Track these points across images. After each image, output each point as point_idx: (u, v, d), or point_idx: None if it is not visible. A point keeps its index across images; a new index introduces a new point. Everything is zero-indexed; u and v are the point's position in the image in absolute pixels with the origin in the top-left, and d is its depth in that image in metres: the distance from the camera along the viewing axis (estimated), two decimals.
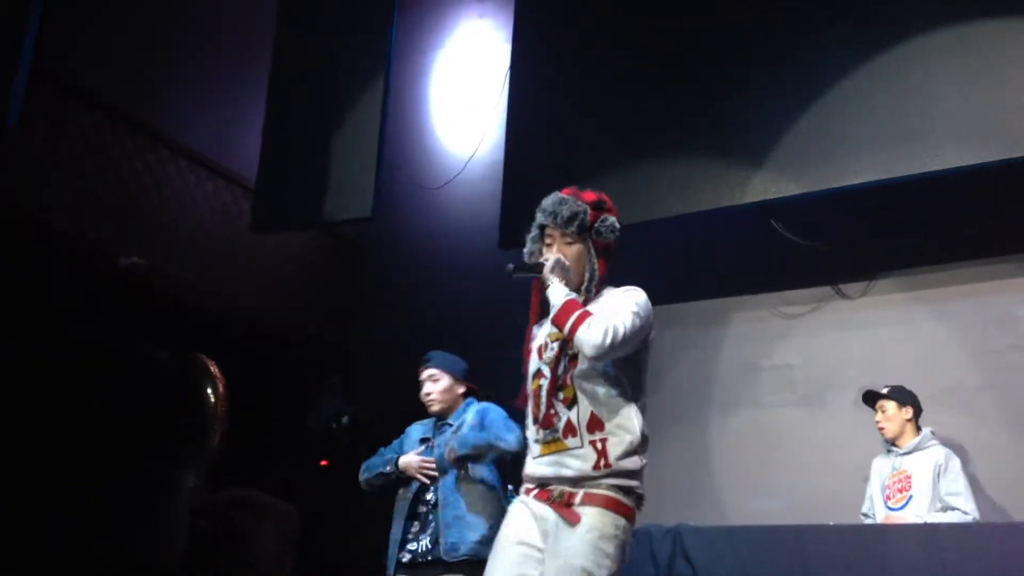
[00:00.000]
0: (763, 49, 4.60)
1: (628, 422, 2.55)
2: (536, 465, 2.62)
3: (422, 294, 5.84)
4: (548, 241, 2.72)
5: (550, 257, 2.66)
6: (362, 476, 3.80)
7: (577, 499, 2.50)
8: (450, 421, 3.78)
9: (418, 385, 3.84)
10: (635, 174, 4.72)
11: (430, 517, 3.62)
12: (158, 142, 5.17)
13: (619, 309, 2.56)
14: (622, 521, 2.50)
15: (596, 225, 2.68)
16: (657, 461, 5.40)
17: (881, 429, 4.30)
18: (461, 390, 3.83)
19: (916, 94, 4.09)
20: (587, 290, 2.66)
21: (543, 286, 2.64)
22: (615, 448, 2.51)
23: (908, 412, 4.25)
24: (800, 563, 3.52)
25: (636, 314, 2.55)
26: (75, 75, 4.87)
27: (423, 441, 3.80)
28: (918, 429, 4.26)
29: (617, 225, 2.70)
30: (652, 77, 4.84)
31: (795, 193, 4.45)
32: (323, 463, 5.70)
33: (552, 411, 2.59)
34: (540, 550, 2.52)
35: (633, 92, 4.86)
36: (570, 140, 4.96)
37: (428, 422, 3.86)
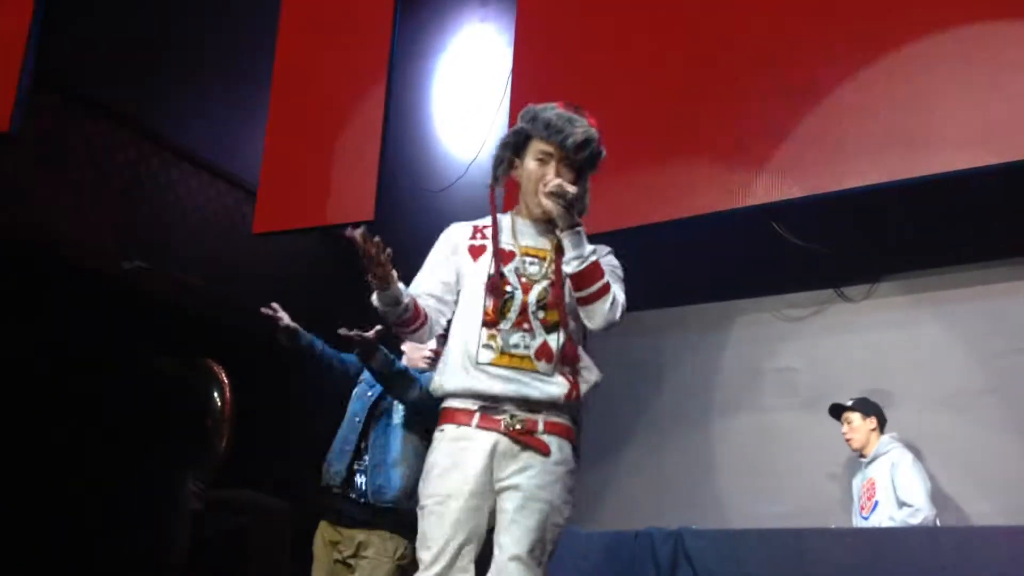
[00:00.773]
0: (764, 52, 4.60)
1: (591, 365, 2.45)
2: (482, 377, 2.33)
3: None
4: (540, 157, 2.50)
5: (574, 187, 2.40)
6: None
7: (539, 427, 2.31)
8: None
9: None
10: (636, 177, 4.72)
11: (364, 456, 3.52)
12: (160, 146, 5.18)
13: (614, 271, 2.50)
14: (576, 457, 2.39)
15: (599, 158, 2.52)
16: (659, 464, 5.44)
17: (848, 440, 4.46)
18: None
19: (918, 97, 4.09)
20: (575, 220, 2.42)
21: (565, 224, 2.37)
22: (584, 384, 2.40)
23: (872, 422, 4.41)
24: (802, 567, 3.52)
25: (620, 280, 2.50)
26: (77, 80, 4.88)
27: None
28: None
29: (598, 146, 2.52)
30: (653, 81, 4.84)
31: (797, 196, 4.45)
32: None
33: (527, 324, 2.36)
34: (491, 491, 2.28)
35: (634, 96, 4.86)
36: None
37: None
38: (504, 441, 2.30)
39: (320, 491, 3.55)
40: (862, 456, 4.41)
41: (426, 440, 2.69)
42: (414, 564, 2.40)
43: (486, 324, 2.37)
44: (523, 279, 2.42)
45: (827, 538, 3.80)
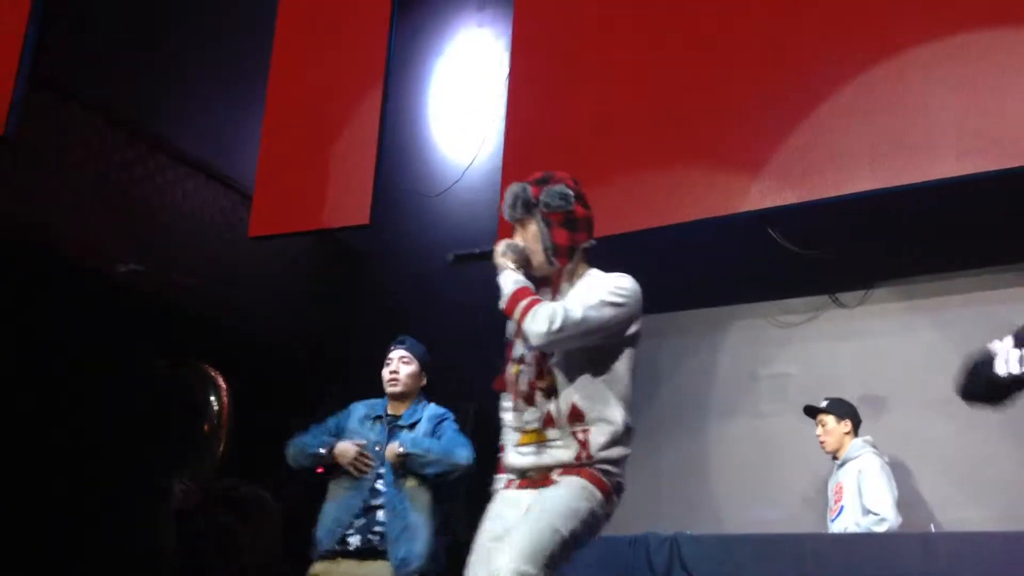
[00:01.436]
0: (763, 58, 4.61)
1: (610, 412, 2.50)
2: (516, 455, 2.54)
3: (420, 302, 5.84)
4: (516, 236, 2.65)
5: (499, 243, 2.61)
6: (289, 452, 3.74)
7: (554, 475, 2.45)
8: (401, 421, 3.74)
9: (384, 364, 3.80)
10: (633, 182, 4.72)
11: (377, 517, 3.56)
12: (156, 148, 5.17)
13: (584, 296, 2.48)
14: (598, 493, 2.43)
15: (541, 198, 2.57)
16: (655, 469, 5.43)
17: (822, 443, 4.44)
18: (423, 381, 3.84)
19: (915, 104, 4.10)
20: (550, 263, 2.56)
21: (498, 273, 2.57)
22: (597, 438, 2.47)
23: (846, 425, 4.38)
24: (798, 572, 3.53)
25: (604, 303, 2.47)
26: (73, 82, 4.87)
27: (375, 419, 3.74)
28: None
29: (567, 191, 2.57)
30: (650, 86, 4.85)
31: (793, 202, 4.45)
32: (319, 470, 5.68)
33: (533, 399, 2.51)
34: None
35: (631, 101, 4.87)
36: (568, 148, 4.96)
37: (374, 403, 3.82)
38: (526, 493, 2.48)
39: None
40: (835, 458, 4.40)
41: None
42: None
43: (515, 409, 2.57)
44: (524, 358, 2.57)
45: (823, 543, 3.81)
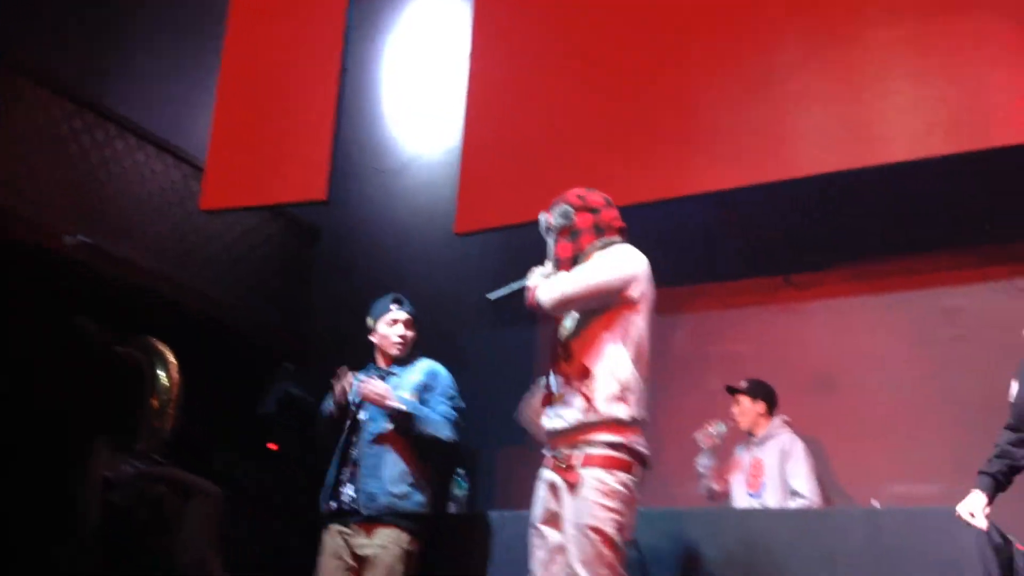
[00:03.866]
0: (718, 41, 4.63)
1: (616, 368, 2.72)
2: (544, 418, 2.84)
3: (378, 277, 5.80)
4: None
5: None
6: (318, 431, 3.75)
7: (576, 461, 2.69)
8: (394, 370, 3.73)
9: (387, 321, 3.75)
10: (589, 161, 4.72)
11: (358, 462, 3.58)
12: (105, 119, 5.06)
13: (584, 267, 2.82)
14: (622, 475, 2.70)
15: (552, 221, 2.97)
16: None
17: (736, 421, 4.66)
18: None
19: (868, 87, 4.15)
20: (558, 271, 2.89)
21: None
22: (601, 391, 2.69)
23: (761, 406, 4.62)
24: (744, 546, 3.57)
25: (598, 270, 2.80)
26: (22, 52, 4.75)
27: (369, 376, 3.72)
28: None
29: (567, 207, 2.96)
30: (608, 65, 4.85)
31: (747, 184, 4.49)
32: (272, 446, 5.64)
33: (556, 367, 2.82)
34: (556, 514, 2.73)
35: (589, 81, 4.86)
36: (529, 124, 4.95)
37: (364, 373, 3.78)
38: (555, 476, 2.78)
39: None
40: (751, 435, 4.62)
41: None
42: None
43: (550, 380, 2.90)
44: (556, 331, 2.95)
45: (769, 519, 3.86)
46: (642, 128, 4.69)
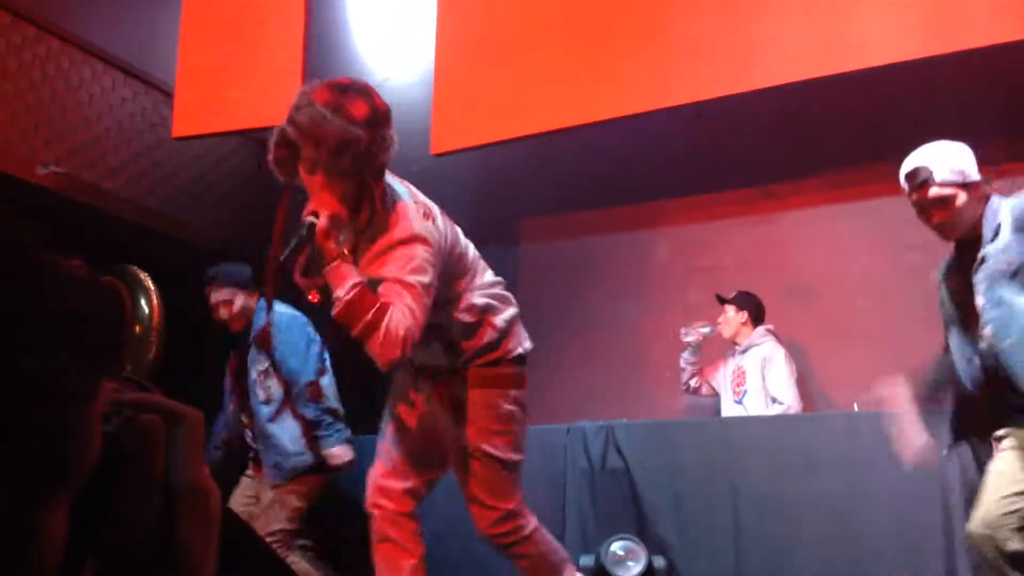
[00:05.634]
0: None
1: (467, 315, 2.48)
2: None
3: None
4: (304, 168, 2.16)
5: (318, 215, 2.11)
6: None
7: (458, 379, 2.52)
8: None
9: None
10: (565, 79, 4.66)
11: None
12: (69, 43, 4.92)
13: (399, 290, 2.17)
14: (509, 391, 2.52)
15: (372, 149, 2.11)
16: (591, 362, 5.53)
17: (719, 330, 4.86)
18: (252, 303, 3.99)
19: None
20: (362, 233, 2.23)
21: (321, 262, 2.17)
22: (471, 347, 2.51)
23: (743, 316, 4.80)
24: (726, 453, 3.66)
25: (418, 283, 2.17)
26: None
27: None
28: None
29: (395, 137, 2.22)
30: None
31: (721, 95, 4.46)
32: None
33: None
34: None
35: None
36: (503, 43, 4.86)
37: None
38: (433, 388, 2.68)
39: None
40: (736, 343, 4.77)
41: None
42: None
43: None
44: None
45: (750, 426, 3.95)
46: (615, 43, 4.62)
